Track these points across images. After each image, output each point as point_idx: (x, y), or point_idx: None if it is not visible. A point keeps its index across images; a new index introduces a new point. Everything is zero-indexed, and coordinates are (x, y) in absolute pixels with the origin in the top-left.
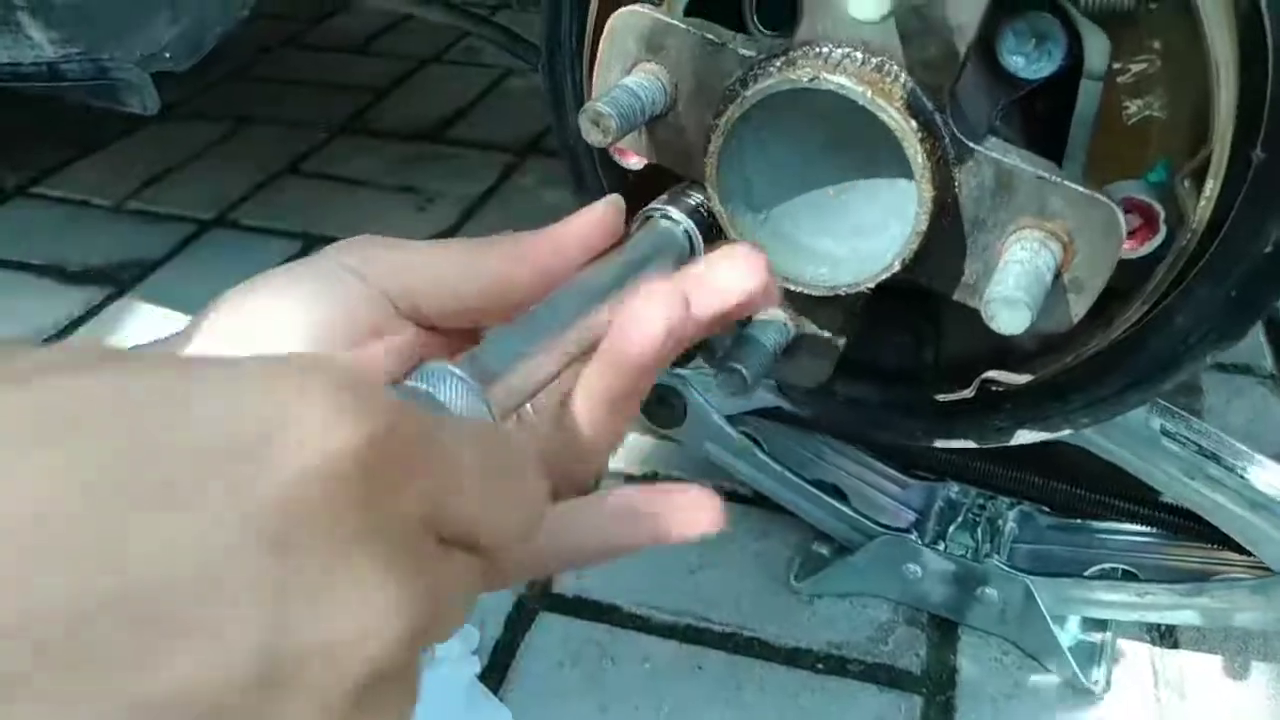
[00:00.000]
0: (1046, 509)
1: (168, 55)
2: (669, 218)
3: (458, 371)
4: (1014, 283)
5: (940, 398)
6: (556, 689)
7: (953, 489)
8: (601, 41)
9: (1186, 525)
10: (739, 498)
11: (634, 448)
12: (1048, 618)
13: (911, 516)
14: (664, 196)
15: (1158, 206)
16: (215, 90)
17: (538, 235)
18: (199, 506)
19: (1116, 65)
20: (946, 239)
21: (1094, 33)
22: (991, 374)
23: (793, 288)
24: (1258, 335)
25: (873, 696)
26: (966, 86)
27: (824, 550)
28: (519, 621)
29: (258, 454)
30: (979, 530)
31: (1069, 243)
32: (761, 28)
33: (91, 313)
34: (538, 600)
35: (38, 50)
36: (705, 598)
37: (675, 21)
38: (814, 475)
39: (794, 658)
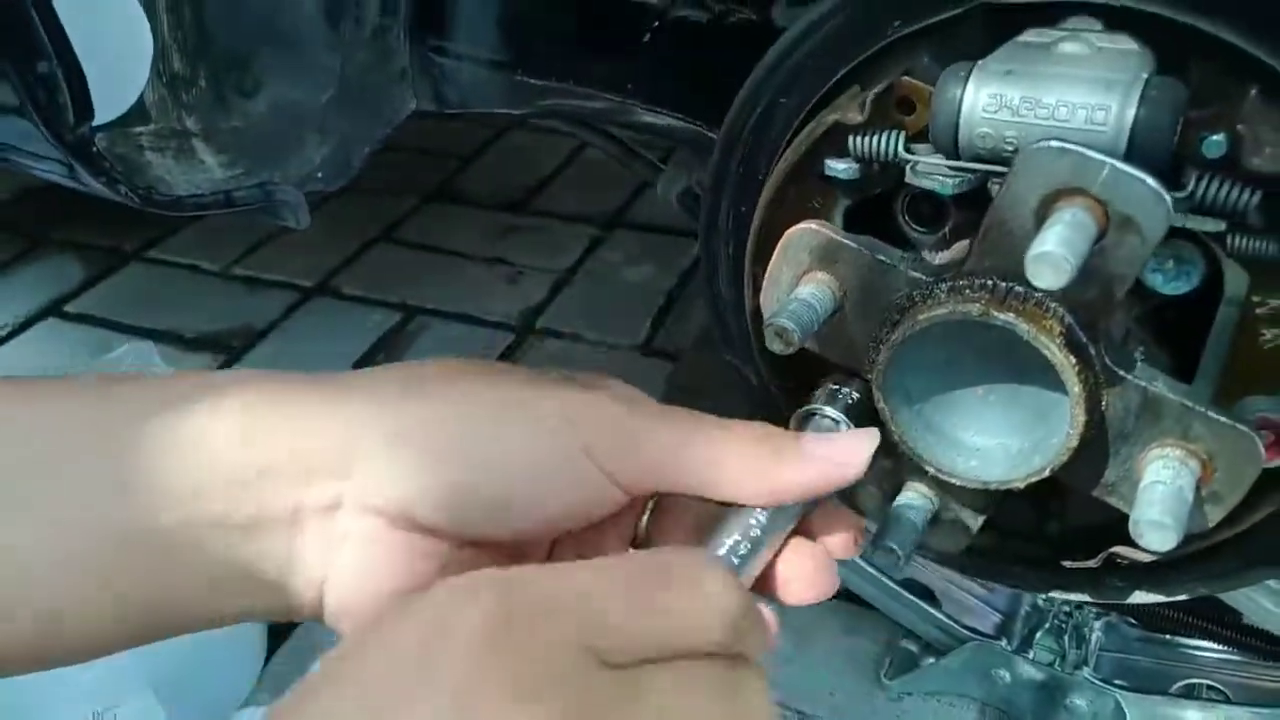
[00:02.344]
0: (1133, 621)
1: (319, 175)
2: (829, 418)
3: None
4: (1160, 507)
5: (1066, 564)
6: None
7: (1040, 595)
8: (775, 253)
9: (1268, 648)
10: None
11: None
12: None
13: (997, 619)
14: (822, 394)
15: None
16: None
17: (796, 467)
18: None
19: (1255, 299)
20: (1091, 448)
21: (1235, 268)
22: (1118, 549)
23: (946, 479)
24: None
25: None
26: (1117, 306)
27: (913, 647)
28: None
29: None
30: (1065, 637)
31: (1208, 462)
32: (911, 223)
33: None
34: None
35: (209, 174)
36: (798, 689)
37: (848, 241)
38: (903, 574)
39: None
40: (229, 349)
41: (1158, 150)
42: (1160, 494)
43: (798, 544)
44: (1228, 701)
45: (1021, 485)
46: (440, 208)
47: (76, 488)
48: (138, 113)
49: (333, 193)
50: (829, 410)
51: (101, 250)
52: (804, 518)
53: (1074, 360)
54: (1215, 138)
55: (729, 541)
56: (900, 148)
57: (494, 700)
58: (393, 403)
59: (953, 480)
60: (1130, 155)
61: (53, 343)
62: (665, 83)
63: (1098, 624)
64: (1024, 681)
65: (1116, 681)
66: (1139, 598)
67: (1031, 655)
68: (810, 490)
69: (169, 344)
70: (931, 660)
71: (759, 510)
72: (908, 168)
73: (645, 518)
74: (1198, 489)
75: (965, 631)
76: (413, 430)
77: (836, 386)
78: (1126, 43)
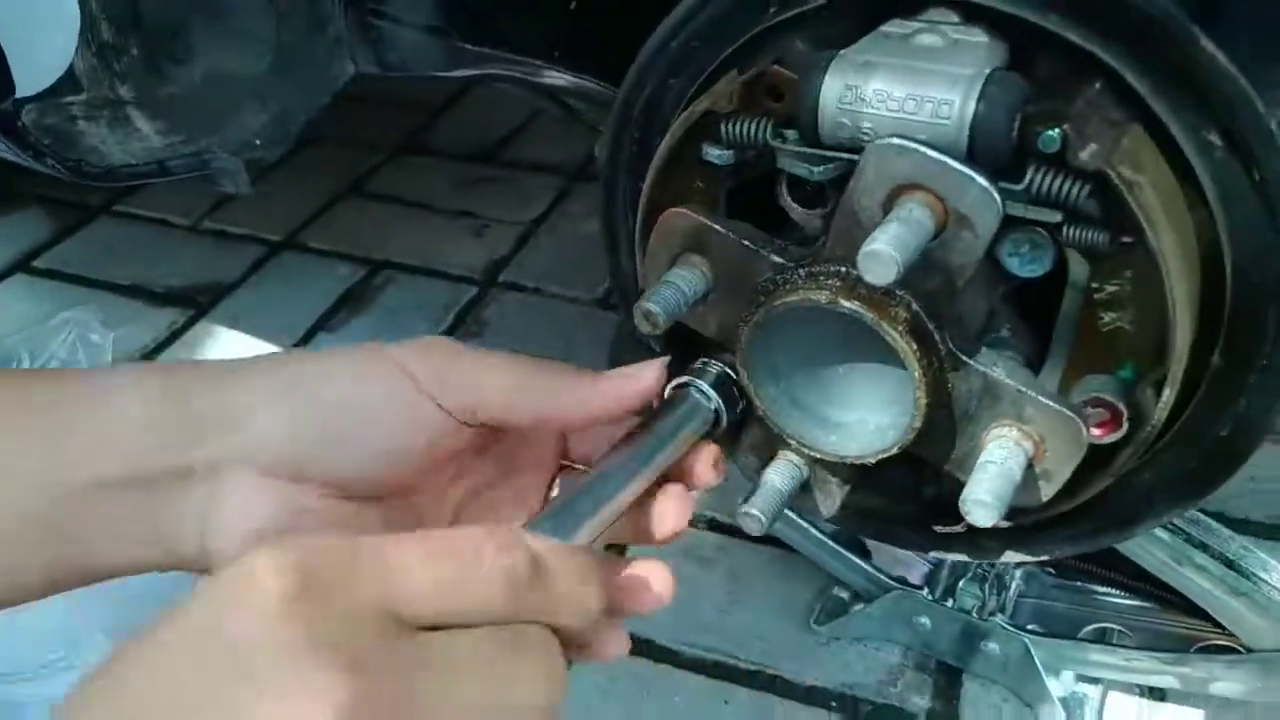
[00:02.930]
0: (1051, 570)
1: (258, 143)
2: (702, 392)
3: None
4: (986, 486)
5: (938, 529)
6: (598, 718)
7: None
8: (651, 236)
9: (1173, 599)
10: (769, 540)
11: None
12: (1043, 673)
13: (925, 568)
14: (697, 366)
15: (1121, 406)
16: None
17: (597, 387)
18: None
19: (1094, 284)
20: (940, 425)
21: (1075, 255)
22: None
23: (808, 452)
24: None
25: None
26: (965, 292)
27: (843, 595)
28: None
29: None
30: (987, 585)
31: (1040, 443)
32: (795, 204)
33: (176, 334)
34: None
35: (146, 142)
36: (733, 636)
37: (716, 227)
38: (837, 527)
39: (811, 696)
40: (196, 304)
41: (996, 145)
42: (990, 474)
43: (663, 489)
44: (1131, 645)
45: (873, 461)
46: (408, 160)
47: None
48: (68, 82)
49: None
50: (699, 384)
51: (69, 205)
52: (666, 466)
53: (916, 346)
54: (1050, 133)
55: (552, 507)
56: (768, 134)
57: (287, 661)
58: (274, 368)
59: (814, 454)
60: (971, 149)
61: (21, 298)
62: (588, 50)
63: (1018, 572)
64: (944, 627)
65: (1031, 626)
66: (1009, 557)
67: (952, 603)
68: (615, 403)
69: (138, 299)
70: (859, 608)
71: (596, 470)
72: (778, 154)
73: (551, 492)
74: (1031, 467)
75: (890, 581)
76: (281, 387)
77: (708, 362)
78: (980, 36)
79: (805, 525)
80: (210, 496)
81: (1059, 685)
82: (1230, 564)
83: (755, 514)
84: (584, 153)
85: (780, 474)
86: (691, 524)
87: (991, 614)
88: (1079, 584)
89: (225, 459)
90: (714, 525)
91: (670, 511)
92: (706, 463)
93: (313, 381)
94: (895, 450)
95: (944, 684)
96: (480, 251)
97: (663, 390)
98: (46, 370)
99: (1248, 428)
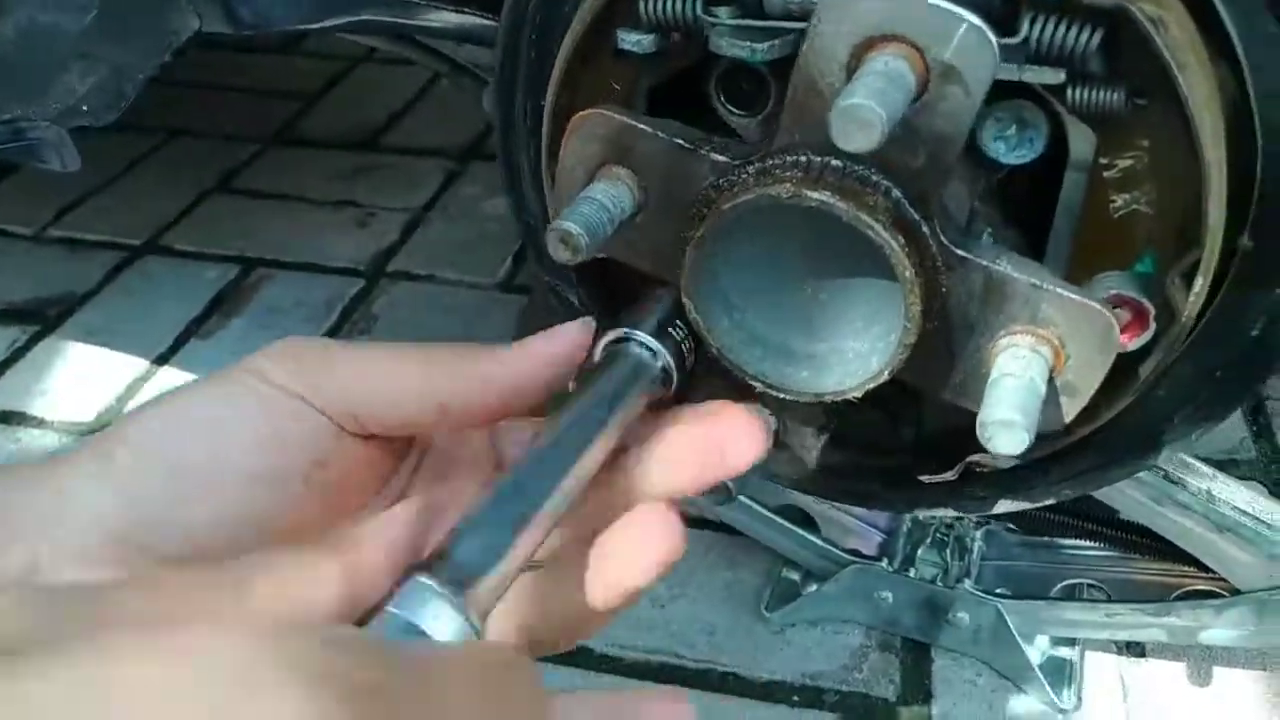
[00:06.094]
0: (1012, 526)
1: (85, 109)
2: (643, 344)
3: (437, 588)
4: (1009, 403)
5: (924, 479)
6: None
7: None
8: (563, 145)
9: (1148, 543)
10: (707, 524)
11: None
12: (1019, 640)
13: (879, 538)
14: (633, 311)
15: (1148, 305)
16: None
17: (501, 357)
18: None
19: (1103, 160)
20: (934, 342)
21: (1079, 127)
22: (976, 457)
23: (776, 394)
24: None
25: None
26: (950, 181)
27: (794, 576)
28: None
29: None
30: (947, 550)
31: (1060, 348)
32: (729, 105)
33: (17, 354)
34: None
35: None
36: (677, 632)
37: (642, 125)
38: (780, 501)
39: (769, 692)
40: (43, 318)
41: None
42: (1009, 388)
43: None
44: (1109, 600)
45: (858, 394)
46: (282, 152)
47: None
48: None
49: (163, 142)
50: (638, 334)
51: None
52: (609, 448)
53: (903, 241)
54: None
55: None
56: (697, 9)
57: None
58: (99, 440)
59: (783, 394)
60: None
61: None
62: None
63: (978, 533)
64: (907, 600)
65: (998, 590)
66: (1004, 506)
67: (913, 573)
68: (530, 376)
69: None
70: (813, 588)
71: (513, 468)
72: (710, 33)
73: None
74: (1051, 381)
75: (844, 555)
76: (105, 453)
77: (646, 306)
78: None
79: (747, 502)
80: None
81: (1035, 651)
82: (1213, 499)
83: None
84: (474, 132)
85: None
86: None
87: (957, 581)
88: (1045, 539)
89: (43, 560)
90: None
91: (651, 542)
92: (745, 429)
93: (148, 434)
94: (885, 377)
95: (912, 663)
96: (365, 242)
97: (591, 352)
98: None
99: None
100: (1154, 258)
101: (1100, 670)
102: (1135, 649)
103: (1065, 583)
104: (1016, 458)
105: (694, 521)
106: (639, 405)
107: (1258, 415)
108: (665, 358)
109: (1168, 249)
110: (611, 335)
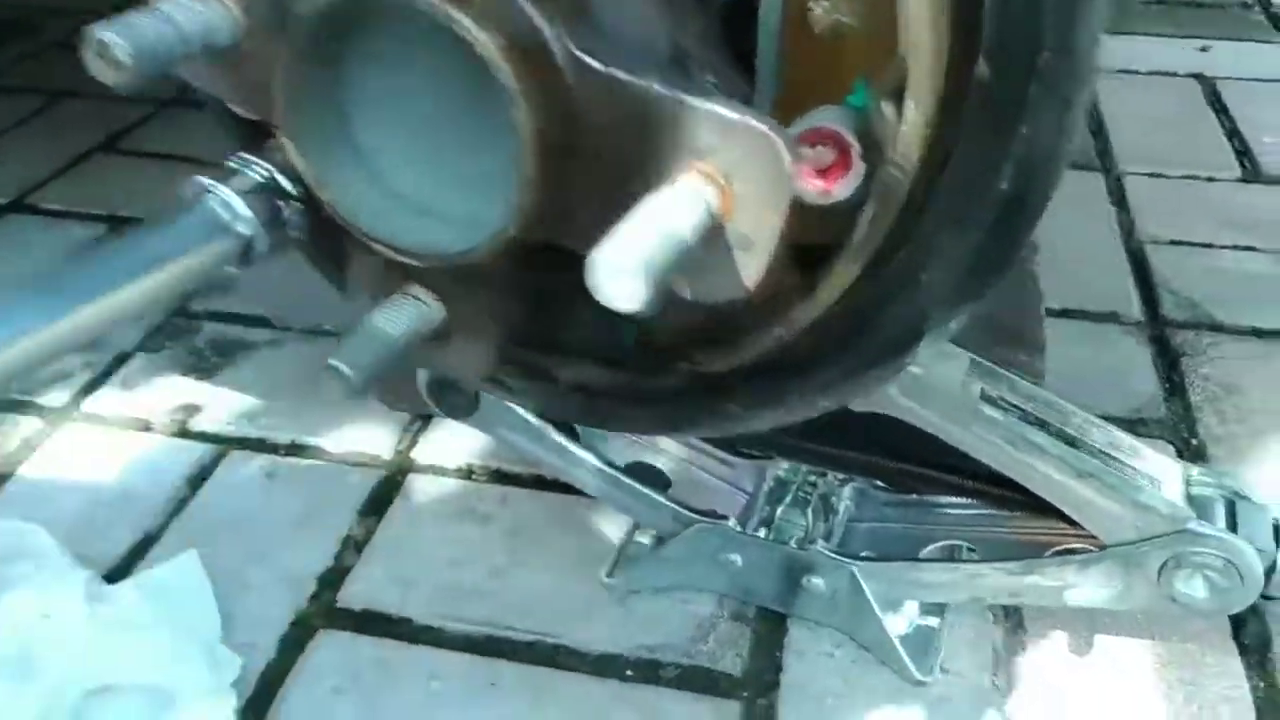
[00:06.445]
0: (882, 484)
1: None
2: (224, 201)
3: None
4: (623, 242)
5: (647, 385)
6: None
7: (781, 466)
8: None
9: (1016, 498)
10: (557, 486)
11: (441, 442)
12: (875, 606)
13: (742, 499)
14: (231, 163)
15: (848, 136)
16: (22, 61)
17: None
18: None
19: None
20: (582, 189)
21: None
22: (694, 355)
23: (400, 258)
24: (1126, 279)
25: (686, 706)
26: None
27: (644, 540)
28: (294, 641)
29: None
30: (810, 510)
31: (726, 186)
32: None
33: None
34: (320, 616)
35: None
36: (511, 603)
37: None
38: (633, 459)
39: (602, 666)
40: None
41: None
42: (633, 227)
43: None
44: (975, 561)
45: (487, 255)
46: (179, 114)
47: None
48: None
49: (46, 104)
50: (220, 190)
51: None
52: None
53: (504, 42)
54: None
55: None
56: None
57: None
58: None
59: (409, 258)
60: None
61: None
62: None
63: (846, 491)
64: (759, 565)
65: (865, 553)
66: (764, 421)
67: (768, 534)
68: None
69: None
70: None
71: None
72: None
73: None
74: (721, 233)
75: (696, 516)
76: None
77: (251, 160)
78: None
79: (593, 460)
80: None
81: (902, 620)
82: (1073, 442)
83: (338, 366)
84: None
85: (390, 315)
86: (470, 475)
87: (810, 542)
88: (916, 498)
89: None
90: (499, 476)
91: None
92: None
93: None
94: (510, 229)
95: (766, 634)
96: None
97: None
98: None
99: (1033, 169)
100: (866, 86)
101: (974, 642)
102: (1013, 618)
103: (939, 544)
104: (637, 317)
105: (541, 483)
106: (200, 273)
107: (1171, 371)
108: (252, 221)
109: (884, 77)
110: (195, 181)
